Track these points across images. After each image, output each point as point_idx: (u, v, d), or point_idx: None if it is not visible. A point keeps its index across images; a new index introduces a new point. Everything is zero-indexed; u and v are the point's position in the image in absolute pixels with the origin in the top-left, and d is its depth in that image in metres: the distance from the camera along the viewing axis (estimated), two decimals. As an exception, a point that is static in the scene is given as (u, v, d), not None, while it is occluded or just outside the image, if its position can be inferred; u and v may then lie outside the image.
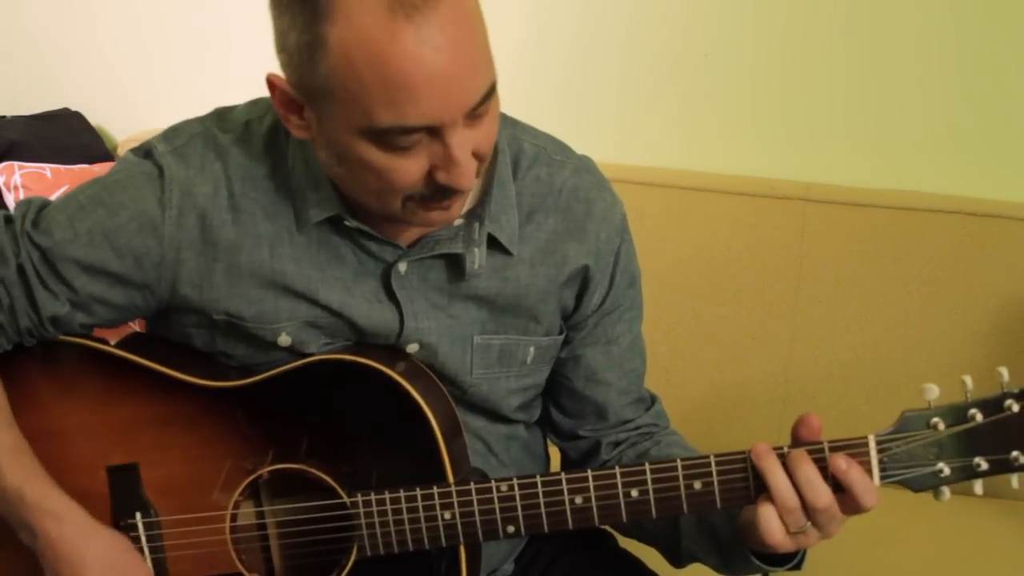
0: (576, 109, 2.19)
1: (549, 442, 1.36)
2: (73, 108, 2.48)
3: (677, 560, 1.22)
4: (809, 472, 0.99)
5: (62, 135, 2.41)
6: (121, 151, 2.41)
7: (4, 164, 2.28)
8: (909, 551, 1.75)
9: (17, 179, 2.26)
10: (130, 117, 2.44)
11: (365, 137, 0.97)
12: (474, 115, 0.98)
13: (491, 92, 0.98)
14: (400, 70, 0.91)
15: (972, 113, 2.01)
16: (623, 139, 2.18)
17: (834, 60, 2.06)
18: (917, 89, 2.03)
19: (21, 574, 1.13)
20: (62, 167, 2.32)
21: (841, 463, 0.99)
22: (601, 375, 1.25)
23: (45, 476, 1.09)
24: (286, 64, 0.98)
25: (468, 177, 0.99)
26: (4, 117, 2.45)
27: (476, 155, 1.00)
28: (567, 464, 1.32)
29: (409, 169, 0.98)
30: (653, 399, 1.31)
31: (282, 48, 0.98)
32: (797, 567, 1.09)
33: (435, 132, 0.96)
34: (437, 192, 1.01)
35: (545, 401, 1.29)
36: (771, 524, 1.00)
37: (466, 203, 1.12)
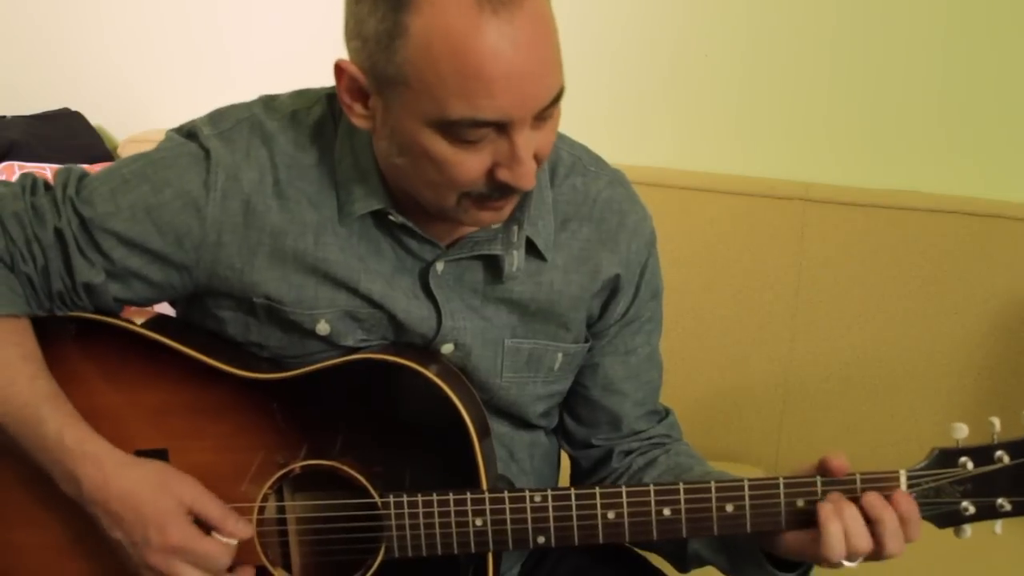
0: (575, 109, 2.18)
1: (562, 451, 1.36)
2: (73, 108, 2.48)
3: (683, 564, 1.23)
4: (891, 517, 1.00)
5: (62, 135, 2.40)
6: (121, 151, 2.41)
7: (4, 164, 2.27)
8: (909, 552, 1.75)
9: (17, 179, 2.26)
10: (130, 117, 2.43)
11: (433, 128, 0.97)
12: (542, 116, 0.99)
13: (560, 95, 0.99)
14: (480, 63, 0.92)
15: (972, 113, 2.02)
16: (623, 139, 2.18)
17: (834, 60, 2.06)
18: (917, 89, 2.03)
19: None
20: (62, 167, 2.31)
21: (875, 500, 1.01)
22: (618, 385, 1.26)
23: (84, 423, 1.09)
24: (359, 50, 0.99)
25: (530, 177, 1.00)
26: (4, 117, 2.44)
27: (536, 157, 1.01)
28: (577, 472, 1.32)
29: (472, 164, 0.99)
30: (667, 411, 1.32)
31: (357, 34, 0.98)
32: (805, 573, 1.11)
33: (503, 129, 0.97)
34: (495, 190, 1.02)
35: (559, 408, 1.30)
36: (837, 547, 1.00)
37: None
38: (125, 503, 1.06)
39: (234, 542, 1.08)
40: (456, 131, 0.97)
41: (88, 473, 1.06)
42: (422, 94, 0.96)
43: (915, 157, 2.06)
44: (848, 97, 2.07)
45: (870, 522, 1.01)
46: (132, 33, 2.43)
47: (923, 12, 1.99)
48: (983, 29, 1.98)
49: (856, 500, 1.02)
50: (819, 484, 1.03)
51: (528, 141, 0.98)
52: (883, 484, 1.02)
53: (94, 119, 2.47)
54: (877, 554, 1.01)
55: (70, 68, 2.48)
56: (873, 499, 1.01)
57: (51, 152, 2.34)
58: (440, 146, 0.98)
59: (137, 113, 2.42)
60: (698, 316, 2.05)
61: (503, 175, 1.00)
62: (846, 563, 1.02)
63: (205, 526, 1.08)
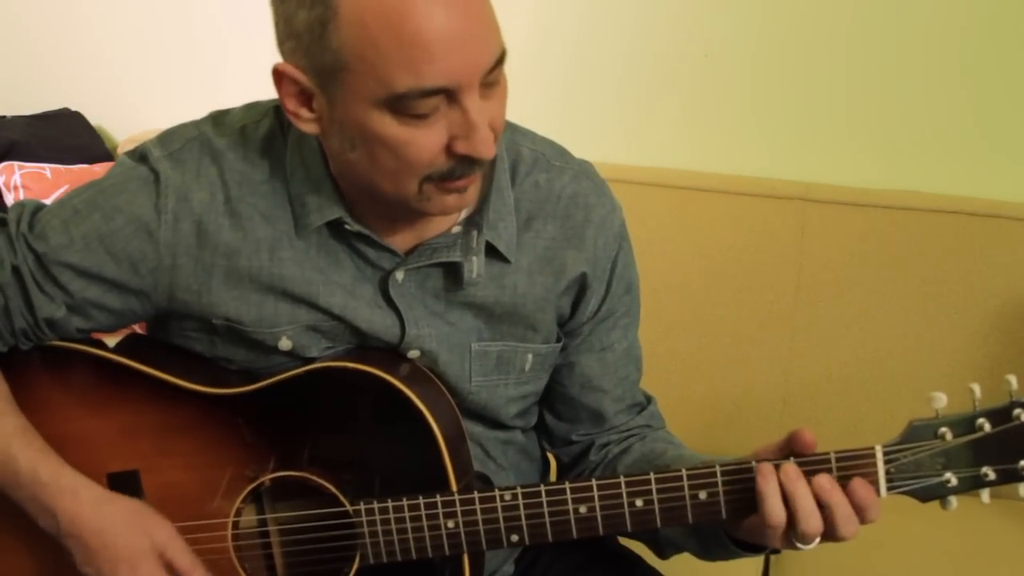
0: (577, 109, 2.19)
1: (544, 445, 1.36)
2: (73, 108, 2.48)
3: (660, 549, 1.23)
4: (842, 502, 0.98)
5: (62, 135, 2.40)
6: (121, 151, 2.41)
7: (4, 164, 2.27)
8: (909, 552, 1.75)
9: (17, 179, 2.26)
10: (130, 117, 2.44)
11: (382, 109, 0.96)
12: (488, 82, 0.98)
13: (503, 58, 0.98)
14: (416, 28, 0.91)
15: (972, 113, 2.01)
16: (624, 139, 2.18)
17: (835, 60, 2.06)
18: (917, 89, 2.03)
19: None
20: (62, 167, 2.32)
21: (825, 483, 0.99)
22: (596, 382, 1.25)
23: (56, 456, 1.09)
24: (294, 50, 0.98)
25: (488, 144, 0.98)
26: (4, 117, 2.45)
27: (492, 128, 1.00)
28: (560, 468, 1.32)
29: (427, 141, 0.98)
30: (648, 400, 1.30)
31: (289, 34, 0.97)
32: (775, 551, 1.10)
33: (453, 97, 0.96)
34: (457, 167, 1.00)
35: (539, 406, 1.29)
36: (776, 539, 0.99)
37: (463, 211, 1.13)
38: (100, 539, 1.06)
39: None
40: (405, 106, 0.95)
41: (65, 507, 1.06)
42: (364, 74, 0.94)
43: (915, 157, 2.05)
44: (848, 97, 2.07)
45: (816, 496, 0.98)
46: (132, 33, 2.43)
47: (924, 12, 1.99)
48: (983, 29, 1.97)
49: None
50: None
51: (480, 108, 0.97)
52: (858, 461, 1.00)
53: (94, 119, 2.48)
54: (828, 527, 0.99)
55: (70, 68, 2.48)
56: (825, 480, 0.99)
57: (51, 152, 2.34)
58: (392, 127, 0.97)
59: (137, 113, 2.42)
60: (698, 316, 2.05)
61: (461, 147, 0.98)
62: (799, 545, 1.00)
63: (174, 573, 1.08)
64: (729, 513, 1.03)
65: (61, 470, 1.08)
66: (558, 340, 1.23)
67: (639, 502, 1.04)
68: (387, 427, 1.10)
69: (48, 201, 1.17)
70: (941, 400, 0.99)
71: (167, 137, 1.13)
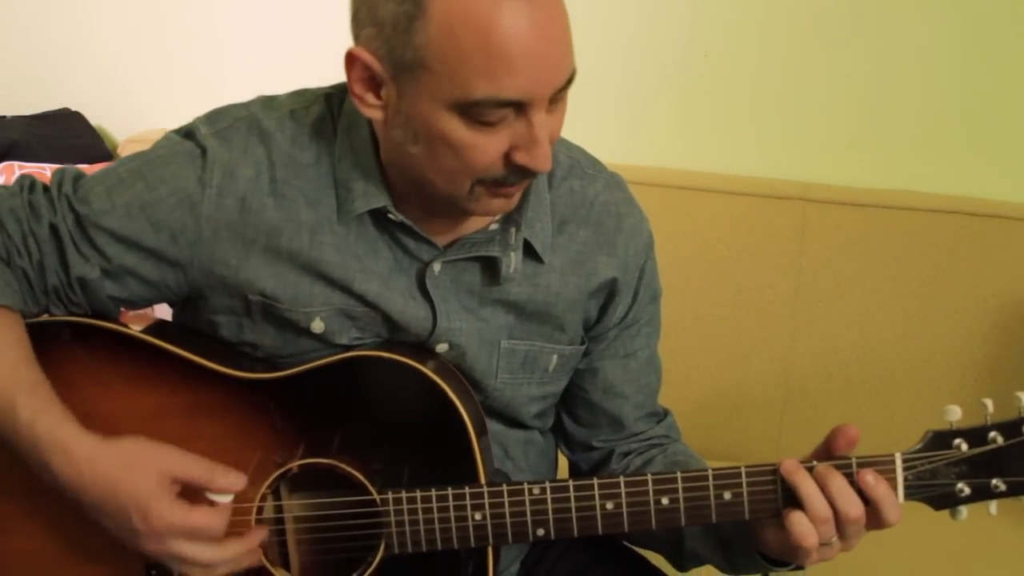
0: (577, 108, 2.18)
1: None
2: (73, 108, 2.48)
3: (681, 561, 1.23)
4: (840, 483, 1.01)
5: (62, 135, 2.40)
6: (121, 151, 2.41)
7: (4, 164, 2.27)
8: (909, 551, 1.75)
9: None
10: (130, 117, 2.44)
11: (453, 111, 0.97)
12: (555, 99, 1.00)
13: (573, 78, 1.01)
14: (502, 41, 0.93)
15: (972, 113, 2.02)
16: (623, 139, 2.18)
17: (834, 60, 2.06)
18: (917, 89, 2.03)
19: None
20: (58, 168, 2.32)
21: (869, 478, 1.01)
22: (618, 388, 1.26)
23: (59, 408, 1.05)
24: (374, 37, 0.99)
25: (547, 158, 1.00)
26: (4, 117, 2.45)
27: (549, 141, 1.01)
28: (576, 475, 1.32)
29: (490, 147, 0.99)
30: (666, 412, 1.32)
31: (371, 20, 0.98)
32: (799, 567, 1.10)
33: (521, 110, 0.98)
34: (511, 174, 1.02)
35: (559, 411, 1.30)
36: (805, 528, 1.00)
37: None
38: (102, 491, 1.02)
39: (227, 499, 1.05)
40: (476, 112, 0.97)
41: (59, 463, 1.03)
42: (443, 76, 0.96)
43: (915, 157, 2.06)
44: (848, 97, 2.07)
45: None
46: (132, 34, 2.43)
47: (924, 12, 1.99)
48: (983, 29, 1.98)
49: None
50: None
51: (544, 123, 0.99)
52: (878, 468, 1.02)
53: (94, 119, 2.48)
54: (837, 521, 1.01)
55: (70, 68, 2.48)
56: (824, 468, 1.01)
57: (51, 152, 2.34)
58: (458, 130, 0.98)
59: (137, 113, 2.42)
60: (698, 316, 2.05)
61: (520, 158, 1.00)
62: (819, 548, 1.02)
63: (197, 491, 1.05)
64: (752, 513, 1.05)
65: (59, 423, 1.04)
66: (582, 343, 1.24)
67: (665, 500, 1.05)
68: (419, 418, 1.11)
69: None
70: (956, 413, 1.01)
71: (215, 116, 1.13)
